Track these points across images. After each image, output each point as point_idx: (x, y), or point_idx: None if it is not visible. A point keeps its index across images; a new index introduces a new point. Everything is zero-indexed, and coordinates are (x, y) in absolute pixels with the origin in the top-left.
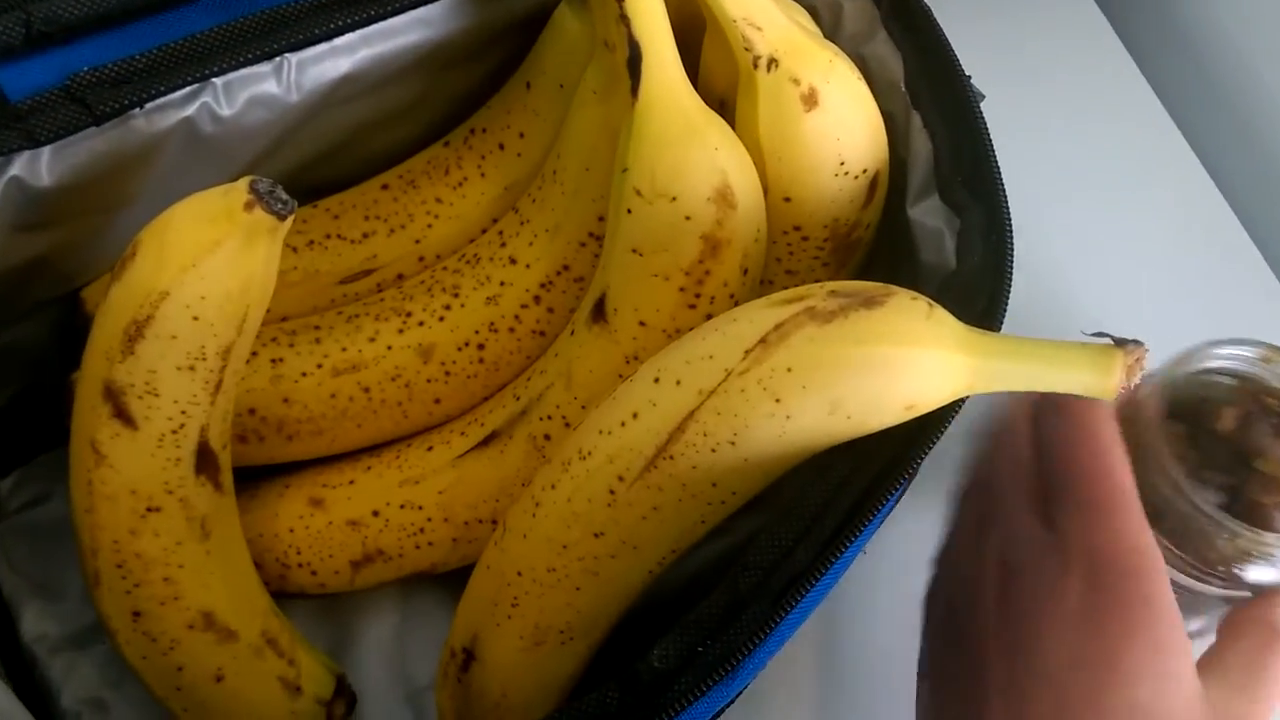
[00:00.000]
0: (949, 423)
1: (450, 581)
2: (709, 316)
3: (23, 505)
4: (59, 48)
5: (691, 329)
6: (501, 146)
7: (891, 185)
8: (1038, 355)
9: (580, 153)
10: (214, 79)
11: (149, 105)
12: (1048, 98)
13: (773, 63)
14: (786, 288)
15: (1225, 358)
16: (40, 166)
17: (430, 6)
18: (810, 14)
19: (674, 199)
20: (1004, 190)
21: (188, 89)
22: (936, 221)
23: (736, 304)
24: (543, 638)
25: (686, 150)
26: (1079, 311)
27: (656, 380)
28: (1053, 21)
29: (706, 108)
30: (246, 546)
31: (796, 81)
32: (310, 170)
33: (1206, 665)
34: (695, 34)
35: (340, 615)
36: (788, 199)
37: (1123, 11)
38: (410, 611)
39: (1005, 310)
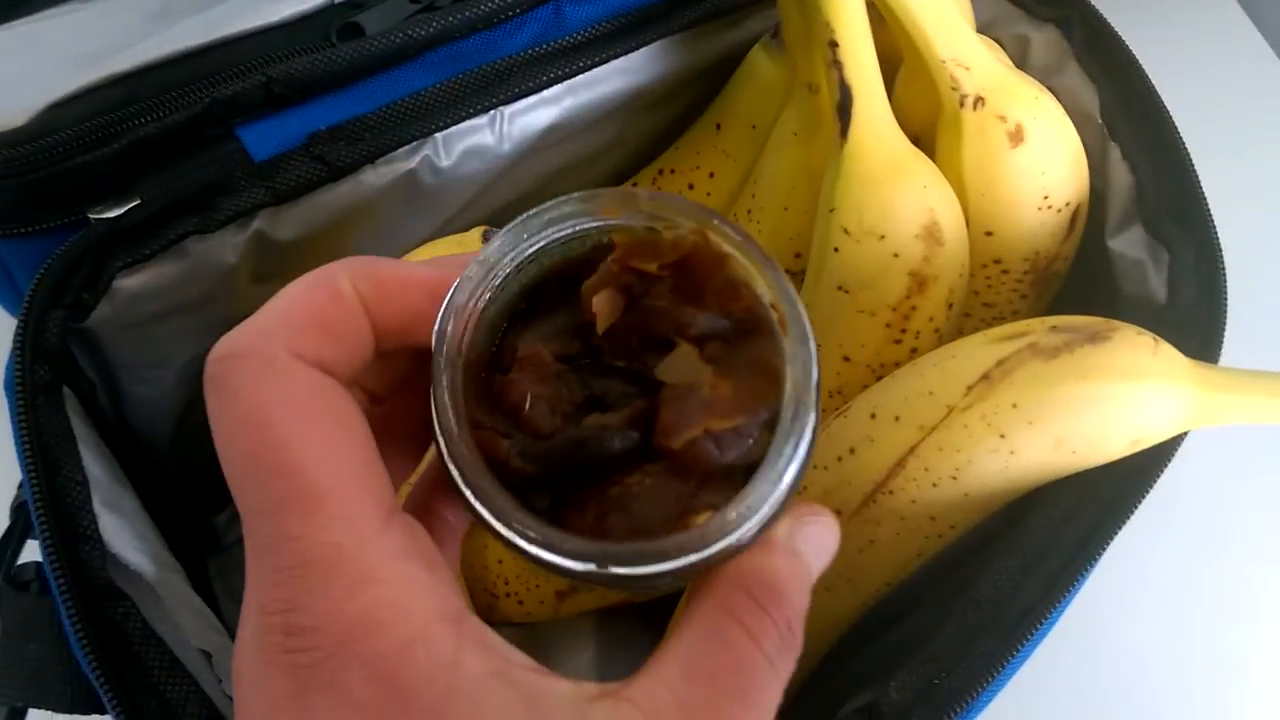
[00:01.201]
0: (1173, 456)
1: (645, 611)
2: (914, 351)
3: (238, 540)
4: (294, 108)
5: (896, 363)
6: (691, 187)
7: (1088, 217)
8: (1269, 387)
9: (778, 193)
10: (436, 133)
11: (379, 160)
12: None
13: (979, 101)
14: (984, 320)
15: (551, 226)
16: (279, 221)
17: (632, 55)
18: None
19: (882, 237)
20: (1213, 222)
21: (413, 143)
22: (1139, 253)
23: (941, 338)
24: None
25: (895, 189)
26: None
27: (873, 416)
28: (1195, 28)
29: (914, 148)
30: (461, 578)
31: (1003, 119)
32: (508, 214)
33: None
34: (886, 72)
35: (540, 644)
36: (989, 233)
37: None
38: (606, 640)
39: (1222, 345)
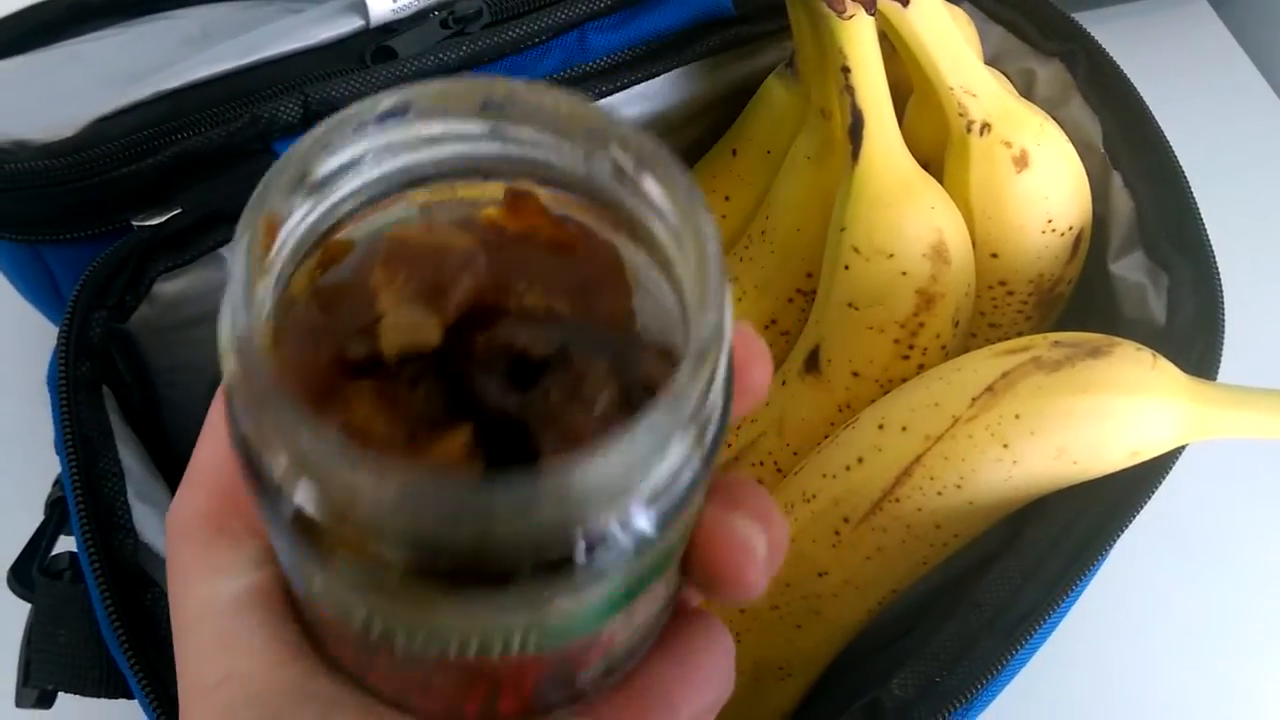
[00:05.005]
0: (1171, 468)
1: None
2: (921, 367)
3: None
4: None
5: (904, 379)
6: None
7: (1090, 241)
8: (1263, 403)
9: (791, 214)
10: None
11: None
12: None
13: (985, 127)
14: (990, 340)
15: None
16: None
17: (652, 82)
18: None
19: (891, 256)
20: (1211, 246)
21: None
22: (1139, 276)
23: (947, 355)
24: (761, 673)
25: (904, 210)
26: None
27: (881, 427)
28: (1174, 41)
29: (922, 171)
30: None
31: (1008, 144)
32: None
33: None
34: (897, 101)
35: None
36: (995, 255)
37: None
38: None
39: (1219, 362)
